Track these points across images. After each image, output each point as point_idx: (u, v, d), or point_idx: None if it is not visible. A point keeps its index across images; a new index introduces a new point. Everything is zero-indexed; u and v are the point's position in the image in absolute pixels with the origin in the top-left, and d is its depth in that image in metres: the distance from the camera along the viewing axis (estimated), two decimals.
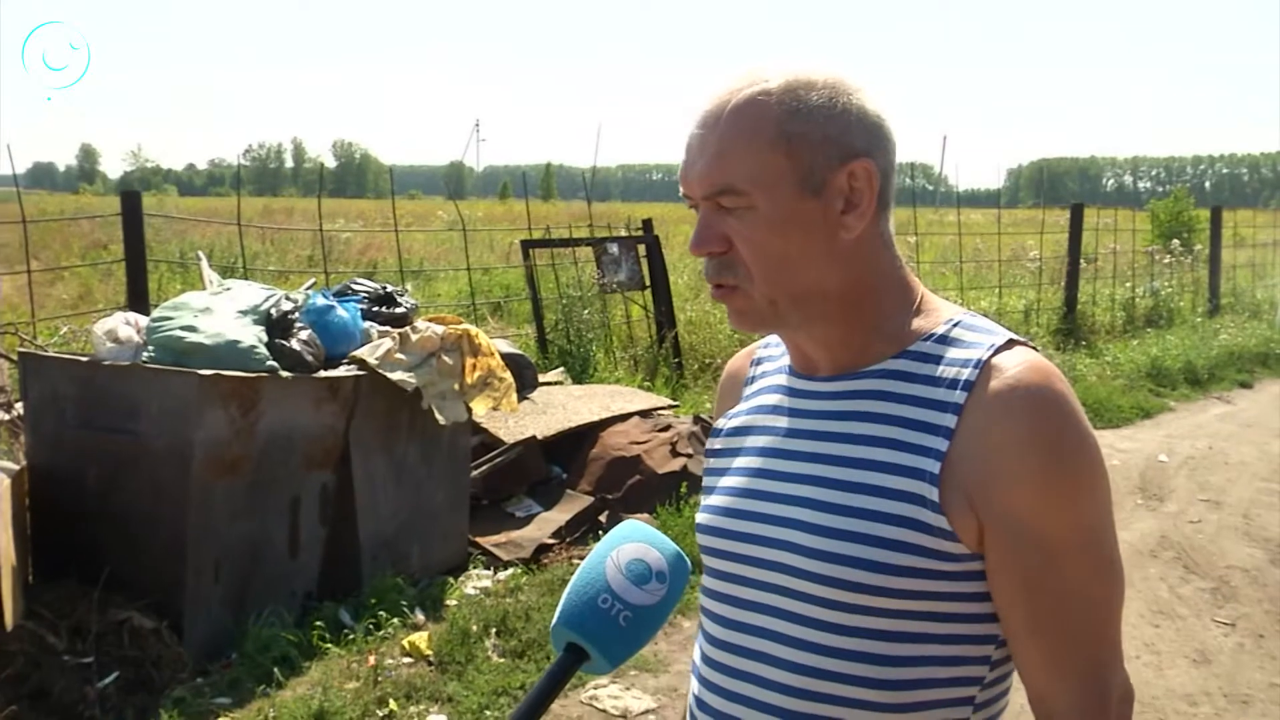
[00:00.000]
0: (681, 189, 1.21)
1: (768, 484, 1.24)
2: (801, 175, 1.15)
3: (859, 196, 1.17)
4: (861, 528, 1.15)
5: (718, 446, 1.36)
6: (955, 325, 1.20)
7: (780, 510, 1.21)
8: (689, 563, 1.20)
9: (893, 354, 1.20)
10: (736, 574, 1.24)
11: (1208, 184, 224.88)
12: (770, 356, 1.37)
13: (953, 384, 1.15)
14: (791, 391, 1.28)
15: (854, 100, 1.17)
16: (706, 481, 1.36)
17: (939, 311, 1.23)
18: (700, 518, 1.32)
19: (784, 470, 1.23)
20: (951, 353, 1.18)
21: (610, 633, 1.10)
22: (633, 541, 1.17)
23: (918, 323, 1.21)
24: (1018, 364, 1.14)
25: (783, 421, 1.27)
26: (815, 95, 1.16)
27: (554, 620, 1.13)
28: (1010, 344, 1.17)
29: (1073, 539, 1.12)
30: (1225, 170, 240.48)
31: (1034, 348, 1.18)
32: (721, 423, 1.37)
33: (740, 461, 1.30)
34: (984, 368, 1.14)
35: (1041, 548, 1.11)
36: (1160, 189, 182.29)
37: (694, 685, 1.31)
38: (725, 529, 1.26)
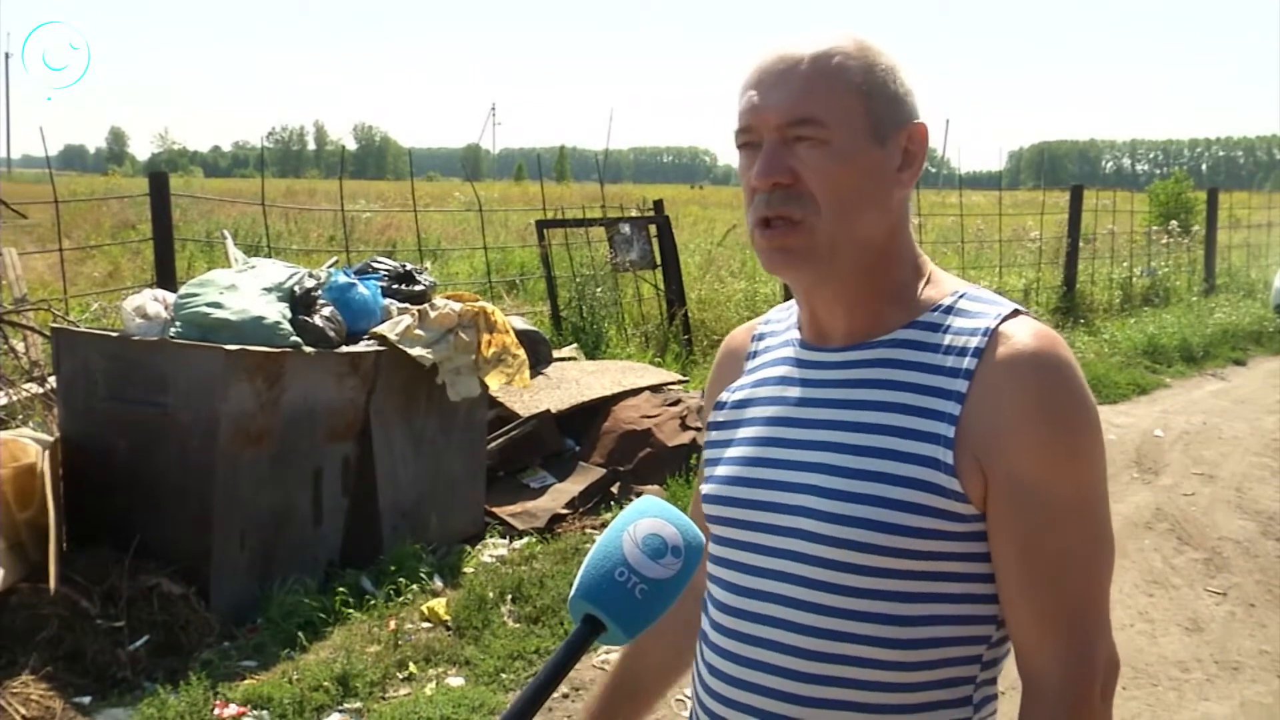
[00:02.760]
0: (745, 123, 1.22)
1: (780, 452, 1.26)
2: (873, 124, 1.20)
3: (913, 157, 1.23)
4: (876, 490, 1.17)
5: (721, 419, 1.36)
6: (961, 297, 1.24)
7: (794, 477, 1.23)
8: (703, 538, 1.22)
9: (903, 324, 1.23)
10: (749, 541, 1.26)
11: (1204, 166, 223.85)
12: (773, 332, 1.38)
13: (963, 351, 1.18)
14: (801, 363, 1.30)
15: (908, 75, 1.25)
16: (710, 454, 1.36)
17: (944, 284, 1.27)
18: (707, 488, 1.32)
19: (796, 438, 1.25)
20: (959, 322, 1.21)
21: (626, 605, 1.11)
22: (649, 517, 1.16)
23: (927, 294, 1.25)
24: (1025, 332, 1.18)
25: (793, 391, 1.28)
26: (885, 60, 1.22)
27: (572, 592, 1.15)
28: (1015, 313, 1.21)
29: (1073, 500, 1.15)
30: (1222, 153, 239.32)
31: (1035, 318, 1.22)
32: (725, 396, 1.38)
33: (748, 432, 1.31)
34: (993, 335, 1.18)
35: (1043, 508, 1.14)
36: (1158, 171, 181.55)
37: (704, 652, 1.31)
38: (737, 497, 1.28)
